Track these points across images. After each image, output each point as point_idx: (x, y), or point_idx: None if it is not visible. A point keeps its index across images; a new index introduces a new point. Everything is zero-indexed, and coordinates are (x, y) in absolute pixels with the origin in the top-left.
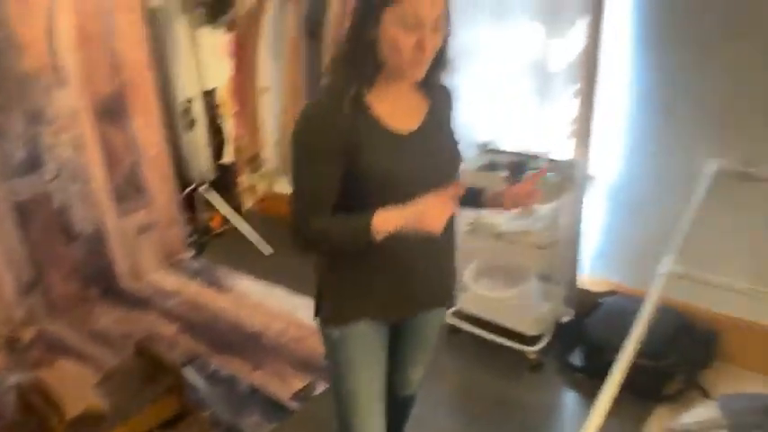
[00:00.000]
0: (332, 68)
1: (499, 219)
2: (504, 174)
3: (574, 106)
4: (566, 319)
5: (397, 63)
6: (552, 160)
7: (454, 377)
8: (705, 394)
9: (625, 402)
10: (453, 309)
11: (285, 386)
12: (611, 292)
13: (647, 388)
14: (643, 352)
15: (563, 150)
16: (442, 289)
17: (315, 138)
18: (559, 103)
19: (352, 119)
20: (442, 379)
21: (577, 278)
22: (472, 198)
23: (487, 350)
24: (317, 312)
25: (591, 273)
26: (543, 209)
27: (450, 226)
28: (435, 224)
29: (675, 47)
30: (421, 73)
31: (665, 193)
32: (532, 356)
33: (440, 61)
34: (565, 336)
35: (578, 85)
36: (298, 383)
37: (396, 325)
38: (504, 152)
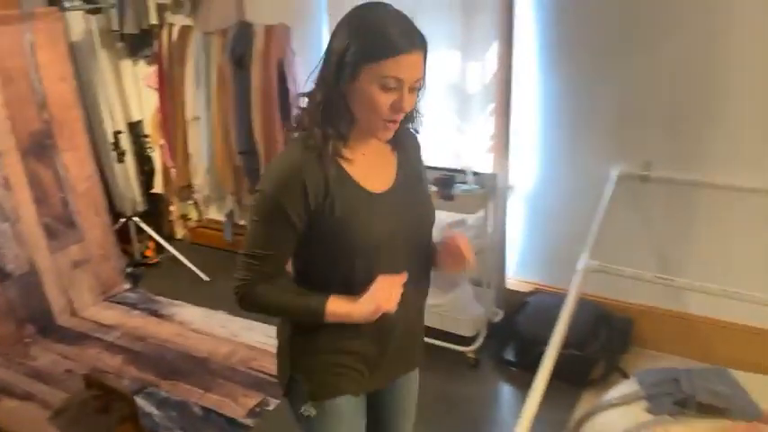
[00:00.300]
0: (304, 119)
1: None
2: (434, 189)
3: (491, 123)
4: (497, 318)
5: (370, 121)
6: (475, 173)
7: None
8: (625, 376)
9: (555, 389)
10: None
11: (239, 405)
12: (536, 291)
13: (575, 375)
14: (568, 342)
15: (484, 164)
16: (416, 352)
17: (284, 195)
18: (478, 121)
19: (326, 176)
20: None
21: (505, 280)
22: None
23: (429, 354)
24: (287, 391)
25: (516, 275)
26: (472, 218)
27: (421, 292)
28: (388, 305)
29: (578, 65)
30: (392, 133)
31: (578, 197)
32: (470, 355)
33: (409, 116)
34: (498, 334)
35: (494, 104)
36: (251, 402)
37: (372, 393)
38: (430, 169)
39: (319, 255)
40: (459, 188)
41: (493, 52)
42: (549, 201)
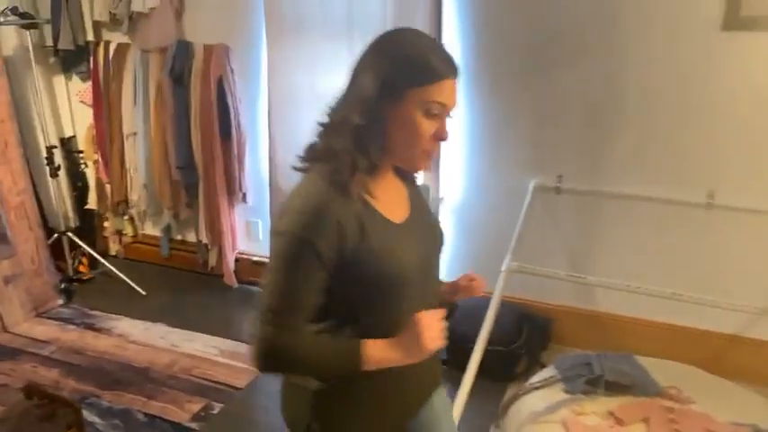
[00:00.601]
0: (331, 145)
1: None
2: None
3: None
4: None
5: (407, 149)
6: None
7: None
8: None
9: (484, 384)
10: None
11: (184, 411)
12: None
13: (500, 370)
14: (494, 340)
15: (417, 177)
16: (438, 370)
17: (316, 235)
18: None
19: (356, 211)
20: None
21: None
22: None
23: None
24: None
25: (447, 280)
26: None
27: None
28: (434, 344)
29: (498, 85)
30: (429, 164)
31: (500, 207)
32: None
33: None
34: None
35: None
36: (195, 407)
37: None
38: None
39: (350, 298)
40: None
41: None
42: (475, 211)
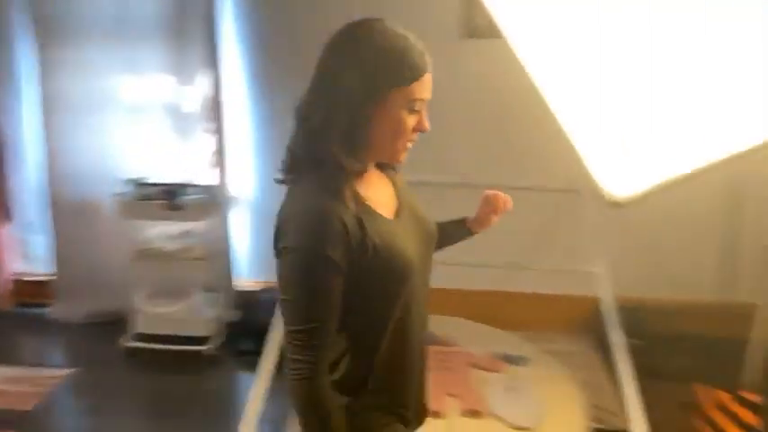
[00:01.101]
0: (319, 151)
1: (162, 241)
2: (161, 201)
3: (212, 141)
4: (235, 318)
5: (392, 145)
6: (199, 186)
7: (141, 392)
8: None
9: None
10: (133, 333)
11: None
12: (268, 289)
13: None
14: None
15: (209, 177)
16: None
17: (328, 244)
18: (200, 138)
19: (354, 212)
20: (129, 399)
21: (237, 282)
22: (454, 234)
23: (170, 359)
24: None
25: (249, 276)
26: (197, 227)
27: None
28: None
29: (285, 90)
30: (405, 155)
31: None
32: (207, 353)
33: None
34: (237, 332)
35: (211, 123)
36: None
37: None
38: (155, 184)
39: (350, 302)
40: (185, 199)
41: (204, 78)
42: (269, 208)
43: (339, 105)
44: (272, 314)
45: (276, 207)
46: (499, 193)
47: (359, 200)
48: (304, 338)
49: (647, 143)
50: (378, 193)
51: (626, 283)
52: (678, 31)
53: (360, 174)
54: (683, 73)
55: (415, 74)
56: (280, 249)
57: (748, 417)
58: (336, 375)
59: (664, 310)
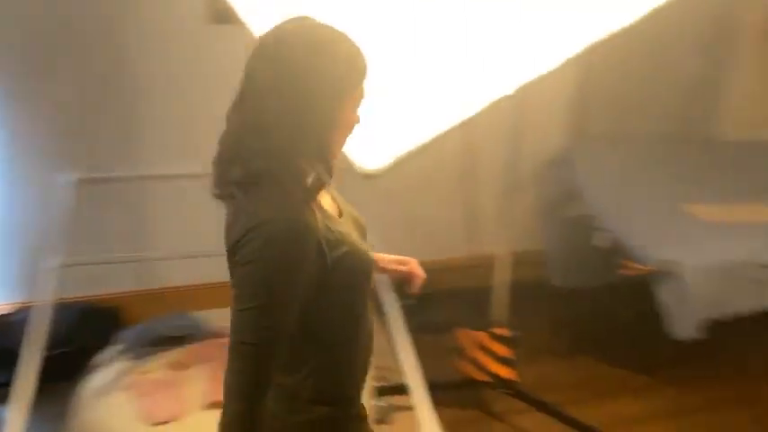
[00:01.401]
0: (286, 163)
1: None
2: None
3: None
4: None
5: (340, 144)
6: None
7: None
8: None
9: (57, 390)
10: None
11: None
12: (21, 309)
13: (73, 370)
14: (55, 344)
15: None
16: None
17: (300, 251)
18: None
19: (319, 215)
20: None
21: None
22: None
23: None
24: None
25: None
26: None
27: None
28: None
29: (11, 84)
30: None
31: (37, 205)
32: None
33: None
34: None
35: None
36: None
37: None
38: None
39: (328, 308)
40: None
41: None
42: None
43: (308, 115)
44: (21, 333)
45: (20, 214)
46: (420, 274)
47: (319, 203)
48: (256, 352)
49: (386, 120)
50: (323, 195)
51: (393, 251)
52: (397, 16)
53: (328, 174)
54: (406, 57)
55: (364, 73)
56: (240, 259)
57: (502, 350)
58: (314, 387)
59: (427, 270)
